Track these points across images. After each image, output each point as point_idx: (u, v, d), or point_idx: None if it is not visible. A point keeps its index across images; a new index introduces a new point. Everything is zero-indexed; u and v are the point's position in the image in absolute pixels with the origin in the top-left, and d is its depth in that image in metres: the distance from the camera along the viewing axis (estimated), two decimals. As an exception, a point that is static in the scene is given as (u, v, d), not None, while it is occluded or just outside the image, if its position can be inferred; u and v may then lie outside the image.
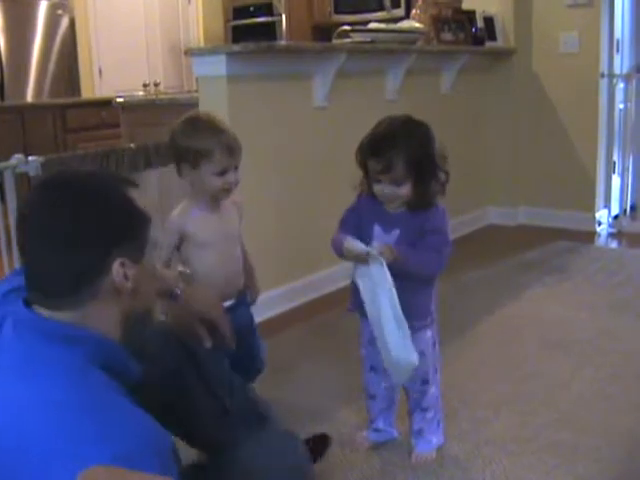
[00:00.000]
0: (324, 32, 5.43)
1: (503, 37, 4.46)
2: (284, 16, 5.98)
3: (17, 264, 1.42)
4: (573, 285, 3.36)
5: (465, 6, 4.39)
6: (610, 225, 4.40)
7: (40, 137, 4.89)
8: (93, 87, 5.78)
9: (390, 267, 1.68)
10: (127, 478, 0.97)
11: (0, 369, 1.06)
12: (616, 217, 4.44)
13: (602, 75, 4.23)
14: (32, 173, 2.34)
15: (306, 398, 2.27)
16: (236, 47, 2.91)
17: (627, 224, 4.36)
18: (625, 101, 4.37)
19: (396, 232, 1.79)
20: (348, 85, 3.34)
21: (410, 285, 1.78)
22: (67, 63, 5.62)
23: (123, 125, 3.88)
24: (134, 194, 1.15)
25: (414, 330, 1.84)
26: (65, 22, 5.57)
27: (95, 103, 5.23)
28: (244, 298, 1.99)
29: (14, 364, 1.06)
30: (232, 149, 1.80)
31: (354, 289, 1.80)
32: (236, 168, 1.83)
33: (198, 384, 1.56)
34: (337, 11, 5.88)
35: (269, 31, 5.99)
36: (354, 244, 1.71)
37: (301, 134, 3.19)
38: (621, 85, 4.40)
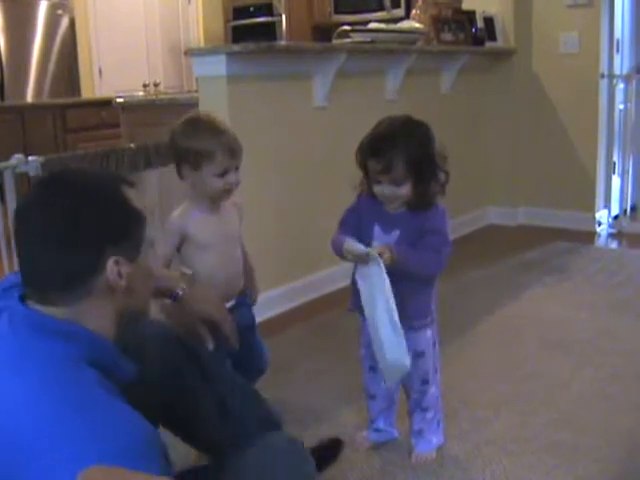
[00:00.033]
0: (324, 32, 5.43)
1: (503, 37, 4.46)
2: (284, 16, 5.98)
3: (17, 264, 1.42)
4: (573, 285, 3.36)
5: (465, 6, 4.39)
6: (610, 225, 4.40)
7: (40, 137, 4.89)
8: (93, 87, 5.78)
9: (390, 267, 1.68)
10: (126, 478, 0.97)
11: None
12: (616, 217, 4.44)
13: (602, 75, 4.23)
14: (32, 173, 2.34)
15: (306, 398, 2.27)
16: (236, 47, 2.91)
17: (627, 224, 4.36)
18: (625, 101, 4.37)
19: (396, 232, 1.79)
20: (348, 85, 3.34)
21: (410, 285, 1.78)
22: (67, 63, 5.62)
23: (123, 125, 3.88)
24: (130, 193, 1.16)
25: (414, 330, 1.84)
26: (65, 22, 5.57)
27: (95, 103, 5.23)
28: (244, 298, 1.99)
29: (9, 359, 1.07)
30: (233, 150, 1.80)
31: (354, 289, 1.80)
32: (237, 169, 1.83)
33: (199, 385, 1.56)
34: (337, 11, 5.89)
35: (269, 31, 5.99)
36: (353, 245, 1.71)
37: (301, 134, 3.19)
38: (621, 85, 4.40)
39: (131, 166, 2.58)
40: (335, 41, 3.48)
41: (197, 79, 3.08)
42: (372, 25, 3.86)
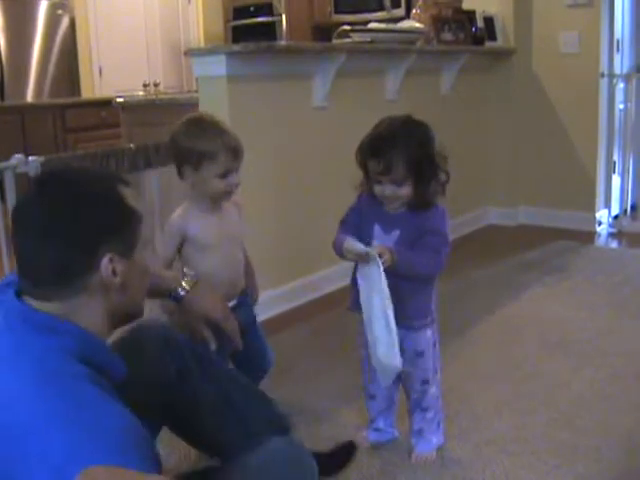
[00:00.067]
0: (324, 32, 5.43)
1: (503, 37, 4.46)
2: (284, 16, 5.98)
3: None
4: (573, 285, 3.36)
5: (465, 6, 4.39)
6: (610, 225, 4.40)
7: (40, 137, 4.89)
8: (93, 87, 5.78)
9: (389, 267, 1.68)
10: (126, 478, 0.97)
11: None
12: (616, 217, 4.44)
13: (602, 75, 4.23)
14: (32, 173, 2.33)
15: (306, 398, 2.27)
16: (236, 47, 2.91)
17: (627, 224, 4.36)
18: (625, 101, 4.37)
19: (396, 232, 1.79)
20: (348, 85, 3.34)
21: (410, 285, 1.78)
22: (67, 63, 5.62)
23: (123, 125, 3.88)
24: (126, 192, 1.17)
25: (414, 330, 1.84)
26: (65, 22, 5.57)
27: (95, 103, 5.23)
28: (246, 298, 1.99)
29: (4, 354, 1.08)
30: (236, 151, 1.80)
31: (354, 288, 1.80)
32: (237, 170, 1.83)
33: (200, 385, 1.56)
34: (337, 11, 5.88)
35: (269, 31, 5.99)
36: (354, 244, 1.71)
37: (301, 134, 3.19)
38: (621, 85, 4.40)
39: (131, 166, 2.58)
40: (335, 41, 3.48)
41: (197, 79, 3.08)
42: (372, 25, 3.86)
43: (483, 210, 4.61)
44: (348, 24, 3.78)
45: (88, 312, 1.14)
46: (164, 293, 1.69)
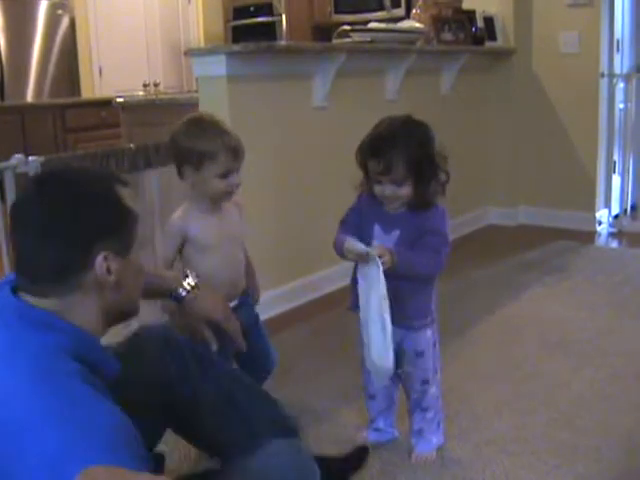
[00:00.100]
0: (324, 32, 5.43)
1: (503, 37, 4.46)
2: (284, 16, 5.98)
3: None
4: (573, 285, 3.36)
5: (465, 6, 4.39)
6: (610, 225, 4.40)
7: (40, 137, 4.89)
8: (93, 87, 5.78)
9: (390, 269, 1.68)
10: (126, 478, 0.97)
11: None
12: (616, 217, 4.44)
13: (602, 75, 4.23)
14: (32, 173, 2.33)
15: (306, 398, 2.27)
16: (236, 47, 2.91)
17: (627, 224, 4.36)
18: (625, 101, 4.37)
19: (396, 232, 1.79)
20: (348, 85, 3.34)
21: (410, 285, 1.78)
22: (67, 63, 5.62)
23: (123, 125, 3.88)
24: (123, 192, 1.19)
25: (414, 330, 1.84)
26: (65, 22, 5.57)
27: (95, 103, 5.23)
28: (247, 298, 1.98)
29: (0, 351, 1.08)
30: (236, 151, 1.80)
31: (354, 288, 1.80)
32: (238, 170, 1.83)
33: (200, 385, 1.56)
34: (337, 11, 5.88)
35: (269, 31, 5.99)
36: (354, 244, 1.71)
37: (301, 134, 3.19)
38: (621, 85, 4.40)
39: (131, 166, 2.58)
40: (335, 41, 3.48)
41: (197, 79, 3.08)
42: (372, 25, 3.86)
43: (483, 210, 4.61)
44: (348, 24, 3.78)
45: (82, 310, 1.15)
46: (165, 293, 1.69)
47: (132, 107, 3.85)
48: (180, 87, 6.08)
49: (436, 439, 1.95)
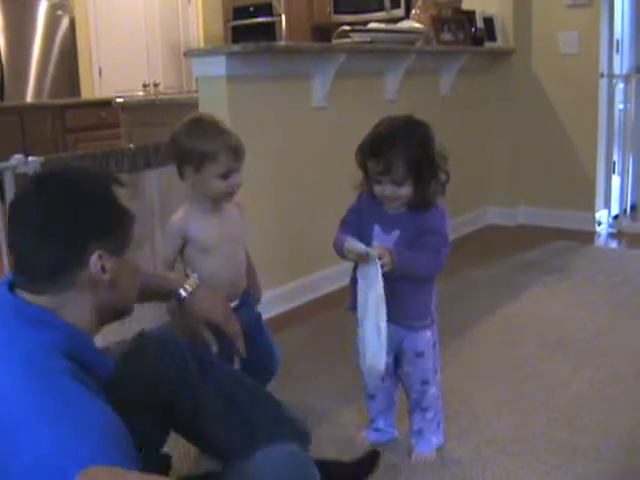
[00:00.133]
0: (324, 32, 5.43)
1: (503, 37, 4.46)
2: (284, 16, 5.99)
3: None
4: (573, 285, 3.36)
5: (465, 6, 4.39)
6: (610, 225, 4.40)
7: (40, 137, 4.89)
8: (93, 87, 5.79)
9: (389, 270, 1.68)
10: (127, 478, 0.97)
11: None
12: (616, 217, 4.44)
13: (602, 75, 4.23)
14: (32, 173, 2.33)
15: (306, 398, 2.27)
16: (235, 47, 2.91)
17: (627, 224, 4.36)
18: (625, 101, 4.37)
19: (396, 232, 1.79)
20: (348, 85, 3.34)
21: (409, 285, 1.78)
22: (67, 63, 5.62)
23: (123, 125, 3.88)
24: (120, 192, 1.21)
25: (414, 330, 1.84)
26: (65, 22, 5.57)
27: (95, 103, 5.23)
28: (247, 299, 1.98)
29: None
30: (237, 151, 1.80)
31: (354, 288, 1.80)
32: (239, 171, 1.83)
33: (200, 385, 1.56)
34: (337, 11, 5.89)
35: (269, 31, 6.00)
36: (354, 244, 1.71)
37: (301, 134, 3.19)
38: (621, 85, 4.40)
39: (131, 166, 2.58)
40: (335, 41, 3.48)
41: (197, 79, 3.08)
42: (372, 25, 3.86)
43: (483, 210, 4.61)
44: (348, 24, 3.78)
45: (76, 308, 1.16)
46: (168, 295, 1.69)
47: (132, 107, 3.85)
48: (180, 87, 6.08)
49: (436, 439, 1.95)
